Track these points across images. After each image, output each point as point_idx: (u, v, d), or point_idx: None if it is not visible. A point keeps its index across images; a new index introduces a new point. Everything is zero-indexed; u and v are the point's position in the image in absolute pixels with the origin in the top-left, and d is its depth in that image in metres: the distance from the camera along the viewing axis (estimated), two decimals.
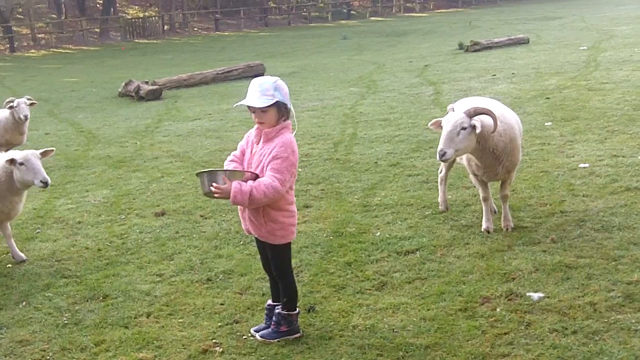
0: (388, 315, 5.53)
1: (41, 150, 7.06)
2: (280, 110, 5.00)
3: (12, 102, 10.95)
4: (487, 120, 6.42)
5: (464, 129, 6.28)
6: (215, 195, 4.88)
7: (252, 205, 4.96)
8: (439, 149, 6.32)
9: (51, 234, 8.07)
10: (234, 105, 5.16)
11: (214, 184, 4.86)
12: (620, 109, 12.07)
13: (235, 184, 4.83)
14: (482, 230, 7.06)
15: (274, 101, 4.93)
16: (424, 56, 23.87)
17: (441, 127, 6.42)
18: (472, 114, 6.32)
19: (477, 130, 6.28)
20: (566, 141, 10.26)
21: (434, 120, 6.65)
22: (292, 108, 5.09)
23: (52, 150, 7.32)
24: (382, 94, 16.42)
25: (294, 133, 5.10)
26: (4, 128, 10.97)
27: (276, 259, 5.28)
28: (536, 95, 14.25)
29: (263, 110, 4.95)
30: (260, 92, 4.94)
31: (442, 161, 6.43)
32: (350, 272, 6.41)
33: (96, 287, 6.45)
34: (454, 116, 6.36)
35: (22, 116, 10.90)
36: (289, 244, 5.27)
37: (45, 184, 6.83)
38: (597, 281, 5.72)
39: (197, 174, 5.06)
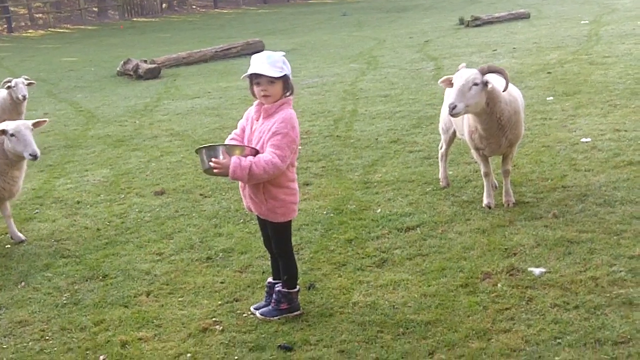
0: (388, 292, 5.51)
1: (33, 121, 7.01)
2: (286, 84, 4.96)
3: (10, 82, 10.87)
4: (497, 82, 6.45)
5: (475, 84, 6.29)
6: (215, 170, 4.81)
7: (251, 181, 4.91)
8: (449, 102, 6.32)
9: (50, 214, 8.04)
10: (242, 77, 5.08)
11: (213, 159, 4.80)
12: (623, 82, 11.98)
13: (234, 159, 4.78)
14: (484, 205, 7.02)
15: (284, 73, 4.90)
16: (424, 31, 23.72)
17: (451, 84, 6.43)
18: (486, 71, 6.35)
19: (489, 86, 6.32)
20: (568, 115, 10.19)
21: (444, 78, 6.68)
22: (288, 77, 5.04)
23: (45, 120, 7.30)
24: (383, 70, 16.32)
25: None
26: (2, 108, 10.89)
27: (277, 237, 5.25)
28: (537, 69, 14.15)
29: (272, 80, 4.89)
30: (269, 63, 4.88)
31: (452, 115, 6.40)
32: (351, 249, 6.38)
33: (95, 267, 6.43)
34: (467, 72, 6.37)
35: (20, 96, 10.83)
36: (290, 222, 5.23)
37: (34, 156, 6.77)
38: (599, 256, 5.69)
39: (196, 151, 5.00)
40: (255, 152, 4.91)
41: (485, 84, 6.31)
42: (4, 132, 6.77)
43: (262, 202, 5.08)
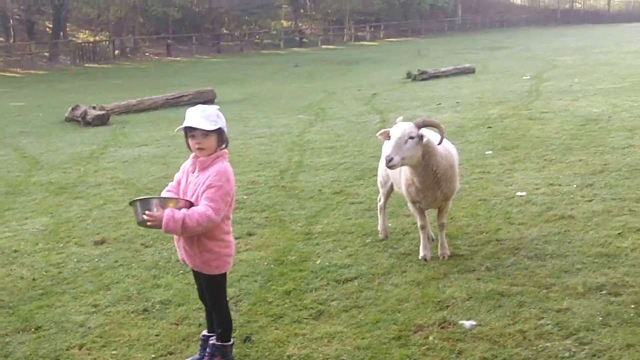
0: (323, 345, 5.54)
1: None
2: (220, 137, 5.01)
3: None
4: (433, 136, 6.65)
5: (411, 138, 6.45)
6: (148, 223, 4.82)
7: (185, 234, 4.94)
8: (386, 155, 6.48)
9: None
10: (176, 130, 5.14)
11: (147, 212, 4.79)
12: (559, 137, 12.35)
13: (167, 212, 4.79)
14: (420, 258, 7.14)
15: (218, 126, 4.94)
16: (373, 84, 24.12)
17: (389, 137, 6.58)
18: (421, 124, 6.51)
19: (424, 140, 6.48)
20: (505, 170, 10.45)
21: (382, 131, 6.86)
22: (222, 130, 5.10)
23: None
24: (330, 122, 16.54)
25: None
26: None
27: (211, 290, 5.26)
28: (478, 124, 14.49)
29: (206, 134, 4.95)
30: (203, 117, 4.94)
31: (389, 167, 6.57)
32: (289, 300, 6.41)
33: (29, 318, 6.34)
34: (403, 125, 6.54)
35: None
36: (225, 274, 5.25)
37: None
38: (528, 309, 5.81)
39: (130, 203, 5.02)
40: (190, 205, 4.95)
41: (421, 137, 6.47)
42: None
43: (196, 255, 5.10)
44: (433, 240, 7.52)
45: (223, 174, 4.93)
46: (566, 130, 12.97)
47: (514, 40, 43.79)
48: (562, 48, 33.77)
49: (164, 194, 5.20)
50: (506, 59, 30.26)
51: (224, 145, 5.06)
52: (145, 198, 4.94)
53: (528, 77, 22.06)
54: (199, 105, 5.08)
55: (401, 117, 7.03)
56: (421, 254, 7.16)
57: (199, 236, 5.00)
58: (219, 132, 4.99)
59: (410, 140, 6.46)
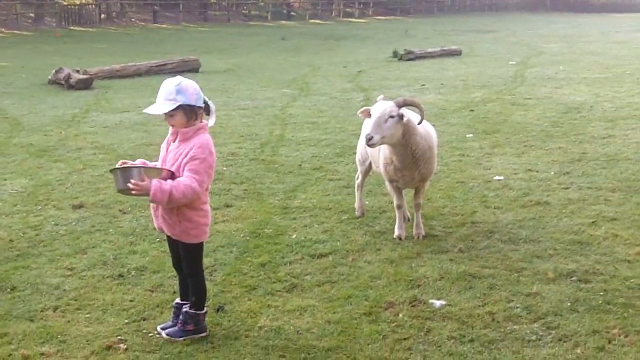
0: (295, 317, 5.62)
1: None
2: (187, 112, 5.01)
3: None
4: (413, 116, 6.71)
5: (392, 117, 6.50)
6: (133, 192, 4.84)
7: (169, 205, 4.98)
8: (366, 133, 6.53)
9: None
10: (143, 111, 5.15)
11: (132, 181, 4.81)
12: (540, 124, 12.46)
13: (155, 182, 4.82)
14: (395, 237, 7.22)
15: (176, 105, 4.94)
16: (359, 62, 24.10)
17: (369, 115, 6.63)
18: (402, 104, 6.57)
19: (404, 119, 6.52)
20: (484, 153, 10.54)
21: (363, 109, 6.89)
22: (210, 103, 5.11)
23: None
24: (314, 97, 16.54)
25: (212, 126, 5.14)
26: None
27: (188, 258, 5.32)
28: (461, 107, 14.57)
29: (169, 114, 4.98)
30: (164, 97, 4.98)
31: (369, 146, 6.66)
32: (263, 273, 6.48)
33: (4, 279, 6.37)
34: (383, 104, 6.58)
35: None
36: (202, 243, 5.31)
37: None
38: (498, 291, 5.92)
39: (111, 171, 5.04)
40: (171, 175, 4.99)
41: (401, 116, 6.52)
42: None
43: (175, 224, 5.15)
44: (409, 220, 7.60)
45: (206, 146, 4.97)
46: (548, 117, 13.10)
47: (502, 24, 43.83)
48: (549, 35, 33.89)
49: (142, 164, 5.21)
50: (493, 42, 30.32)
51: (195, 118, 5.06)
52: (127, 167, 4.95)
53: (514, 63, 22.16)
54: (164, 82, 5.08)
55: (382, 96, 7.07)
56: (396, 232, 7.24)
57: (179, 206, 5.05)
58: (182, 108, 4.98)
59: (390, 119, 6.51)
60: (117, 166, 4.99)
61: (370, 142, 6.52)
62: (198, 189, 4.90)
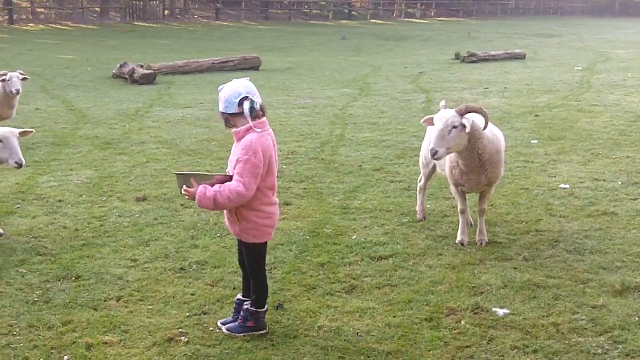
0: (354, 319, 5.59)
1: (20, 130, 7.11)
2: (227, 119, 5.13)
3: (5, 75, 10.91)
4: (478, 119, 6.57)
5: (454, 127, 6.37)
6: (186, 197, 5.05)
7: (218, 209, 5.12)
8: (430, 147, 6.42)
9: (31, 210, 8.09)
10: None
11: (185, 187, 5.01)
12: (607, 132, 12.20)
13: (200, 189, 4.96)
14: (457, 242, 7.13)
15: (221, 113, 5.16)
16: (420, 63, 23.96)
17: (432, 123, 6.55)
18: (464, 111, 6.41)
19: (467, 129, 6.39)
20: (550, 160, 10.36)
21: (426, 117, 6.80)
22: (256, 105, 5.04)
23: (31, 131, 7.39)
24: (374, 98, 16.48)
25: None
26: None
27: (249, 257, 5.35)
28: (526, 111, 14.36)
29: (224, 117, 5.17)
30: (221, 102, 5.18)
31: (434, 159, 6.60)
32: (322, 273, 6.46)
33: (70, 267, 6.49)
34: (446, 114, 6.44)
35: (13, 90, 10.88)
36: (265, 243, 5.32)
37: (19, 165, 6.90)
38: (563, 302, 5.80)
39: (175, 174, 5.28)
40: (228, 179, 5.03)
41: (464, 125, 6.40)
42: None
43: (234, 223, 5.21)
44: (472, 225, 7.51)
45: (249, 147, 4.98)
46: (615, 125, 12.81)
47: (568, 29, 43.14)
48: (617, 40, 33.21)
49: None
50: (558, 47, 29.84)
51: (230, 124, 5.12)
52: (184, 173, 5.19)
53: (580, 68, 21.76)
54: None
55: (444, 101, 6.99)
56: (458, 237, 7.15)
57: (240, 206, 5.10)
58: (222, 115, 5.13)
59: (453, 130, 6.38)
60: (178, 172, 5.17)
61: (435, 156, 6.43)
62: (243, 192, 4.93)
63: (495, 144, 6.84)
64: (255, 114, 5.05)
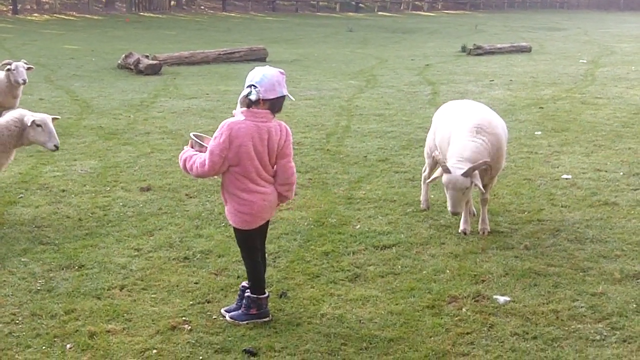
0: (357, 307, 5.64)
1: (53, 116, 7.50)
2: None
3: (10, 64, 10.91)
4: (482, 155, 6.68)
5: (467, 188, 6.56)
6: None
7: (185, 172, 5.35)
8: (450, 209, 6.66)
9: (34, 200, 8.14)
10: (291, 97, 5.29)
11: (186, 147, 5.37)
12: (610, 124, 12.22)
13: (185, 149, 5.34)
14: (459, 231, 7.18)
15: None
16: (426, 55, 23.93)
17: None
18: (470, 173, 6.52)
19: (480, 185, 6.59)
20: (553, 151, 10.39)
21: (433, 178, 6.99)
22: (251, 96, 5.11)
23: (58, 117, 7.82)
24: (381, 89, 16.49)
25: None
26: None
27: (236, 240, 5.55)
28: (530, 103, 14.37)
29: None
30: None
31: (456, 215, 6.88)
32: (326, 261, 6.51)
33: (73, 256, 6.53)
34: (456, 181, 6.55)
35: (20, 80, 10.85)
36: (248, 232, 5.34)
37: (56, 147, 7.47)
38: (563, 290, 5.85)
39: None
40: None
41: (472, 182, 6.57)
42: (32, 121, 7.26)
43: (224, 202, 5.39)
44: (474, 215, 7.53)
45: (221, 128, 5.14)
46: (618, 117, 12.83)
47: (573, 22, 42.98)
48: (621, 34, 33.10)
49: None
50: (563, 40, 29.76)
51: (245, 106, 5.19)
52: (196, 134, 5.48)
53: (584, 61, 21.72)
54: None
55: (437, 152, 7.10)
56: (461, 227, 7.19)
57: (222, 187, 5.31)
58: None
59: (466, 190, 6.61)
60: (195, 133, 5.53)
61: (457, 215, 6.80)
62: (202, 168, 5.13)
63: (496, 144, 6.91)
64: (249, 103, 5.13)
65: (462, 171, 6.50)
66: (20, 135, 7.33)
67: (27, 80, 11.00)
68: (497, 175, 7.20)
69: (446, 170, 6.60)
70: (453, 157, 6.74)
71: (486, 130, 6.83)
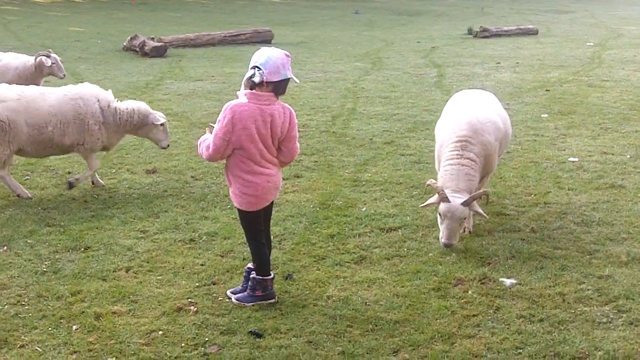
0: (363, 289, 5.64)
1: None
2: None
3: (49, 55, 10.90)
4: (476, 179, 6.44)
5: (464, 218, 6.28)
6: None
7: (201, 157, 5.38)
8: (444, 241, 6.22)
9: (40, 182, 8.15)
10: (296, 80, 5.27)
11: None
12: (617, 107, 12.16)
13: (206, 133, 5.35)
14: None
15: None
16: (432, 38, 23.82)
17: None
18: (470, 203, 6.20)
19: (480, 212, 6.28)
20: (559, 134, 10.35)
21: (428, 203, 6.45)
22: (254, 78, 5.11)
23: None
24: (386, 72, 16.42)
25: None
26: (19, 75, 10.81)
27: (240, 222, 5.54)
28: (537, 86, 14.30)
29: None
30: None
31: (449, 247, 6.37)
32: (332, 244, 6.50)
33: (79, 238, 6.54)
34: (455, 211, 6.15)
35: (61, 75, 11.06)
36: (252, 213, 5.35)
37: (167, 147, 8.27)
38: (569, 273, 5.84)
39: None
40: None
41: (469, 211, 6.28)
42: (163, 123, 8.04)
43: (229, 184, 5.39)
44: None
45: (224, 111, 5.14)
46: (625, 100, 12.76)
47: (580, 5, 42.65)
48: (629, 17, 32.85)
49: None
50: (570, 23, 29.56)
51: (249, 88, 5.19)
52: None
53: (591, 44, 21.60)
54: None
55: (432, 180, 6.55)
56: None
57: (226, 169, 5.32)
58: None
59: (463, 221, 6.28)
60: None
61: (450, 247, 6.26)
62: (208, 151, 5.17)
63: (487, 152, 6.57)
64: (253, 85, 5.12)
65: (462, 200, 6.17)
66: (139, 126, 7.91)
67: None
68: (489, 174, 6.96)
69: (444, 199, 6.21)
70: (448, 187, 6.34)
71: (472, 142, 6.45)
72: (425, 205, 6.48)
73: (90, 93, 7.80)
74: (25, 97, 7.45)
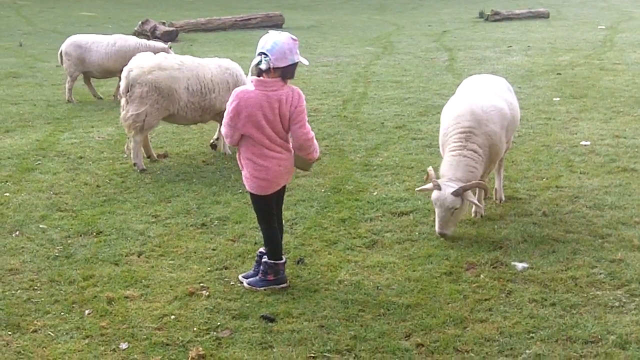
0: (374, 273, 5.63)
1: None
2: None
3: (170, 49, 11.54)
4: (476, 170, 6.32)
5: (456, 209, 6.13)
6: None
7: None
8: (438, 230, 6.19)
9: (52, 167, 8.17)
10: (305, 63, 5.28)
11: None
12: (629, 90, 12.09)
13: None
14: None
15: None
16: (444, 21, 23.74)
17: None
18: (461, 193, 6.08)
19: (474, 201, 6.26)
20: (571, 118, 10.30)
21: (422, 188, 6.42)
22: (261, 65, 5.08)
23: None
24: (398, 56, 16.38)
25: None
26: (119, 55, 11.32)
27: (252, 205, 5.55)
28: (548, 70, 14.23)
29: None
30: None
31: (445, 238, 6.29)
32: (344, 228, 6.50)
33: (91, 223, 6.56)
34: (444, 200, 6.08)
35: None
36: (264, 198, 5.34)
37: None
38: (582, 257, 5.81)
39: None
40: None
41: (463, 201, 6.13)
42: None
43: (240, 168, 5.41)
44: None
45: (232, 97, 5.18)
46: (637, 83, 12.67)
47: None
48: None
49: None
50: (581, 6, 29.39)
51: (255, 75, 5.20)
52: None
53: (603, 27, 21.46)
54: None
55: (430, 167, 6.45)
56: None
57: (239, 153, 5.33)
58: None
59: (455, 211, 6.13)
60: None
61: (445, 237, 6.20)
62: (225, 130, 5.23)
63: (491, 142, 6.45)
64: (259, 72, 5.11)
65: (453, 189, 6.04)
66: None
67: None
68: (498, 160, 6.81)
69: (436, 187, 6.14)
70: (445, 176, 6.28)
71: (476, 133, 6.34)
72: (420, 190, 6.49)
73: (234, 67, 8.77)
74: (187, 66, 8.23)
